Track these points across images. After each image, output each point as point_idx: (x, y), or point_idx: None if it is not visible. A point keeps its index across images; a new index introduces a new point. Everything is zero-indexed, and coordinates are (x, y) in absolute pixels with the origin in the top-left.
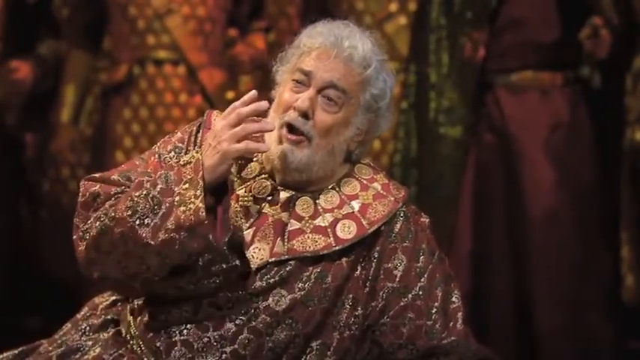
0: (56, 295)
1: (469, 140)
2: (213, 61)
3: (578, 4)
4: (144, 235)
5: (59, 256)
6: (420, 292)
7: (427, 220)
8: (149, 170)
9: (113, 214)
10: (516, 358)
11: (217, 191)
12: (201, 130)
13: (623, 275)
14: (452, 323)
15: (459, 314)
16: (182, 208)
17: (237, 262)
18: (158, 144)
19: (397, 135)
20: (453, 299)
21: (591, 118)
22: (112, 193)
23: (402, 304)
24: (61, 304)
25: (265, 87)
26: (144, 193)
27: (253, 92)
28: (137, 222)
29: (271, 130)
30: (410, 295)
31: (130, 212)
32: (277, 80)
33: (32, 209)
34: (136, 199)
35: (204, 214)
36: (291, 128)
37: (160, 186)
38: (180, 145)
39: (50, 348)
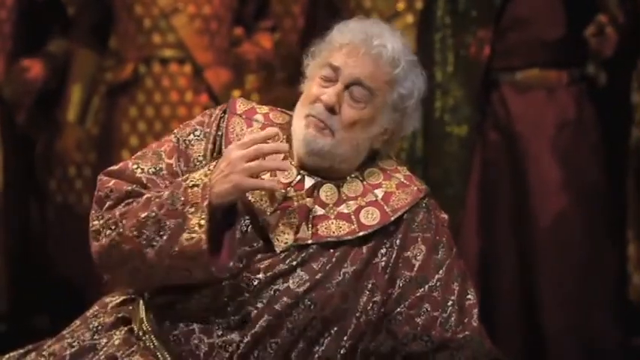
0: (63, 294)
1: (475, 139)
2: (219, 60)
3: (584, 2)
4: (150, 256)
5: (66, 255)
6: (438, 284)
7: (447, 217)
8: (163, 153)
9: (121, 230)
10: (523, 356)
11: (226, 213)
12: (226, 115)
13: (630, 274)
14: (467, 319)
15: (475, 311)
16: (186, 236)
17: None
18: (177, 128)
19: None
20: (469, 296)
21: (597, 117)
22: (125, 190)
23: (418, 294)
24: (67, 303)
25: (270, 86)
26: (151, 215)
27: (275, 130)
28: (144, 242)
29: (286, 170)
30: (427, 286)
31: (136, 232)
32: (307, 74)
33: (40, 208)
34: (142, 219)
35: (205, 246)
36: (317, 119)
37: (166, 207)
38: (200, 128)
39: (62, 347)
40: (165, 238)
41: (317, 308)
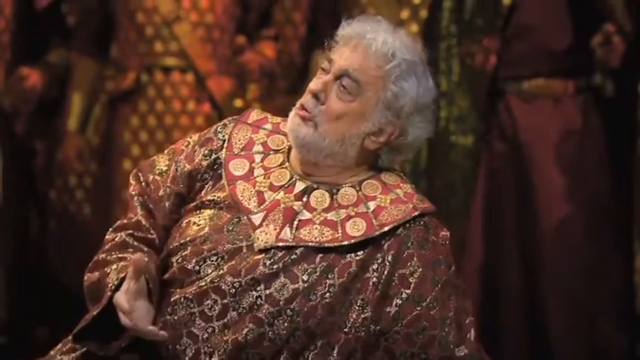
0: (64, 306)
1: (480, 149)
2: (221, 68)
3: (591, 11)
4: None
5: (67, 265)
6: (435, 302)
7: (448, 234)
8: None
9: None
10: None
11: None
12: (233, 123)
13: (636, 285)
14: (466, 337)
15: (473, 329)
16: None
17: None
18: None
19: None
20: (467, 314)
21: (603, 126)
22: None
23: (415, 312)
24: (68, 314)
25: (271, 95)
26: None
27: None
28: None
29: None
30: (424, 304)
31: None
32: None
33: (41, 218)
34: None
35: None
36: (302, 107)
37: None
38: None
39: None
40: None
41: (299, 319)
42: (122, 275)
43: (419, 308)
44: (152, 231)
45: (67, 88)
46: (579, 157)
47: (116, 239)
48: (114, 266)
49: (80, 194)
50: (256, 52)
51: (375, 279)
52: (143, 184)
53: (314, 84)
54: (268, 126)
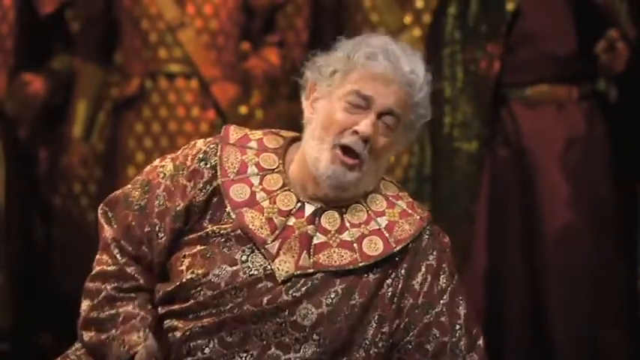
0: (68, 312)
1: (484, 155)
2: (225, 75)
3: (594, 17)
4: None
5: (71, 272)
6: (444, 309)
7: (448, 241)
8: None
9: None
10: None
11: None
12: (219, 146)
13: None
14: (476, 343)
15: (481, 337)
16: None
17: None
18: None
19: (411, 150)
20: (474, 321)
21: (607, 132)
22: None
23: (425, 320)
24: (72, 321)
25: (273, 101)
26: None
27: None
28: None
29: None
30: (433, 312)
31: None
32: (317, 91)
33: (45, 225)
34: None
35: None
36: (345, 150)
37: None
38: (184, 166)
39: None
40: None
41: (326, 343)
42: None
43: (428, 316)
44: (137, 277)
45: (71, 94)
46: (583, 163)
47: (101, 294)
48: (113, 332)
49: (84, 201)
50: (261, 58)
51: (389, 294)
52: (116, 225)
53: (365, 128)
54: (253, 144)
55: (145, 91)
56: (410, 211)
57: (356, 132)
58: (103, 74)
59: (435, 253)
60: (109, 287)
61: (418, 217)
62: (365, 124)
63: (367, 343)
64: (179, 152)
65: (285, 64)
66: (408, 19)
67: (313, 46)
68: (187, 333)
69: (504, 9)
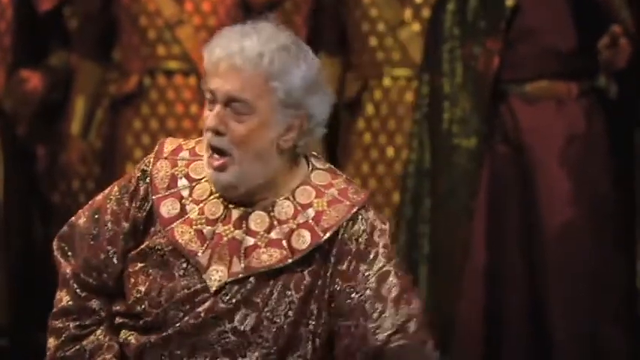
0: None
1: (483, 151)
2: None
3: (594, 13)
4: None
5: None
6: (367, 293)
7: (386, 227)
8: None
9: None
10: None
11: None
12: (150, 164)
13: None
14: (405, 327)
15: (414, 319)
16: None
17: None
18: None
19: (411, 146)
20: (407, 305)
21: (607, 129)
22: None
23: (350, 306)
24: None
25: None
26: None
27: None
28: None
29: None
30: (357, 297)
31: None
32: None
33: (44, 223)
34: None
35: None
36: (212, 149)
37: None
38: (126, 188)
39: None
40: None
41: (270, 343)
42: None
43: (351, 301)
44: (99, 310)
45: (69, 91)
46: (583, 159)
47: (64, 333)
48: None
49: (83, 198)
50: None
51: (324, 283)
52: (73, 260)
53: (209, 120)
54: (185, 154)
55: (143, 88)
56: (340, 198)
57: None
58: (101, 71)
59: (363, 237)
60: (71, 326)
61: (348, 202)
62: (209, 118)
63: (311, 335)
64: (126, 175)
65: None
66: (407, 13)
67: (313, 42)
68: (140, 348)
69: (504, 4)
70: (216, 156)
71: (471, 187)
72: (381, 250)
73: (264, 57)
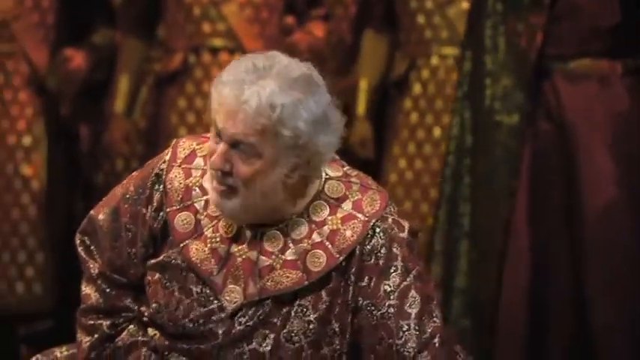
0: None
1: (525, 129)
2: (269, 49)
3: None
4: None
5: None
6: (390, 310)
7: (405, 235)
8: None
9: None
10: (573, 352)
11: None
12: (165, 169)
13: None
14: (428, 343)
15: (438, 335)
16: None
17: None
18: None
19: (452, 123)
20: (430, 320)
21: None
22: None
23: (373, 323)
24: None
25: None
26: None
27: None
28: None
29: None
30: (379, 314)
31: None
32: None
33: (87, 203)
34: None
35: None
36: (218, 182)
37: None
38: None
39: None
40: None
41: None
42: None
43: (374, 318)
44: (131, 306)
45: (113, 69)
46: (626, 139)
47: (97, 333)
48: None
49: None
50: (306, 32)
51: (345, 301)
52: (99, 258)
53: (214, 161)
54: (199, 162)
55: (188, 66)
56: (354, 213)
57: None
58: (146, 49)
59: (382, 251)
60: (104, 325)
61: (363, 217)
62: (215, 156)
63: (336, 353)
64: (143, 169)
65: (332, 38)
66: None
67: (361, 19)
68: (165, 350)
69: None
70: (220, 187)
71: (512, 165)
72: (399, 264)
73: (276, 108)
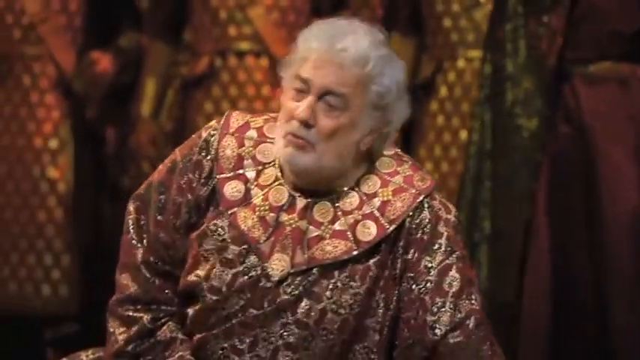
0: None
1: (545, 132)
2: None
3: None
4: None
5: None
6: (428, 286)
7: (452, 216)
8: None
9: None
10: (595, 353)
11: None
12: (217, 137)
13: None
14: (462, 323)
15: (473, 316)
16: None
17: None
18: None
19: (472, 126)
20: (468, 301)
21: None
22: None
23: (412, 296)
24: None
25: None
26: None
27: None
28: None
29: None
30: (417, 289)
31: None
32: (282, 84)
33: (113, 206)
34: None
35: None
36: (294, 135)
37: None
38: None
39: None
40: None
41: (335, 335)
42: None
43: (413, 293)
44: (171, 298)
45: (139, 73)
46: None
47: (136, 325)
48: None
49: None
50: None
51: (392, 274)
52: (146, 240)
53: (301, 112)
54: (252, 133)
55: (214, 70)
56: (405, 186)
57: (295, 117)
58: (172, 52)
59: (428, 227)
60: (145, 319)
61: (414, 190)
62: (301, 109)
63: (379, 326)
64: (188, 140)
65: None
66: None
67: (388, 22)
68: (201, 340)
69: None
70: (299, 141)
71: (532, 168)
72: (444, 242)
73: (371, 60)
